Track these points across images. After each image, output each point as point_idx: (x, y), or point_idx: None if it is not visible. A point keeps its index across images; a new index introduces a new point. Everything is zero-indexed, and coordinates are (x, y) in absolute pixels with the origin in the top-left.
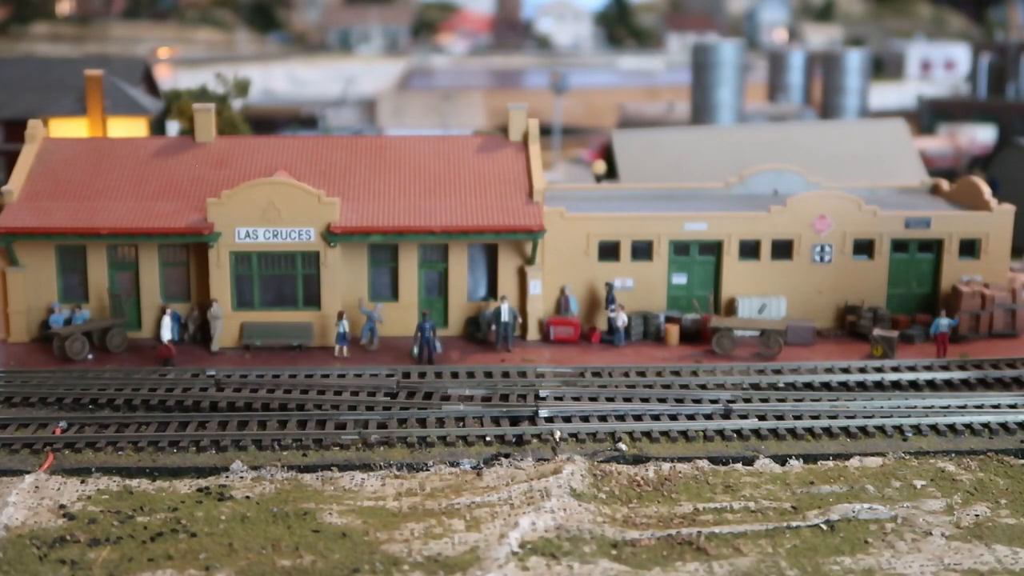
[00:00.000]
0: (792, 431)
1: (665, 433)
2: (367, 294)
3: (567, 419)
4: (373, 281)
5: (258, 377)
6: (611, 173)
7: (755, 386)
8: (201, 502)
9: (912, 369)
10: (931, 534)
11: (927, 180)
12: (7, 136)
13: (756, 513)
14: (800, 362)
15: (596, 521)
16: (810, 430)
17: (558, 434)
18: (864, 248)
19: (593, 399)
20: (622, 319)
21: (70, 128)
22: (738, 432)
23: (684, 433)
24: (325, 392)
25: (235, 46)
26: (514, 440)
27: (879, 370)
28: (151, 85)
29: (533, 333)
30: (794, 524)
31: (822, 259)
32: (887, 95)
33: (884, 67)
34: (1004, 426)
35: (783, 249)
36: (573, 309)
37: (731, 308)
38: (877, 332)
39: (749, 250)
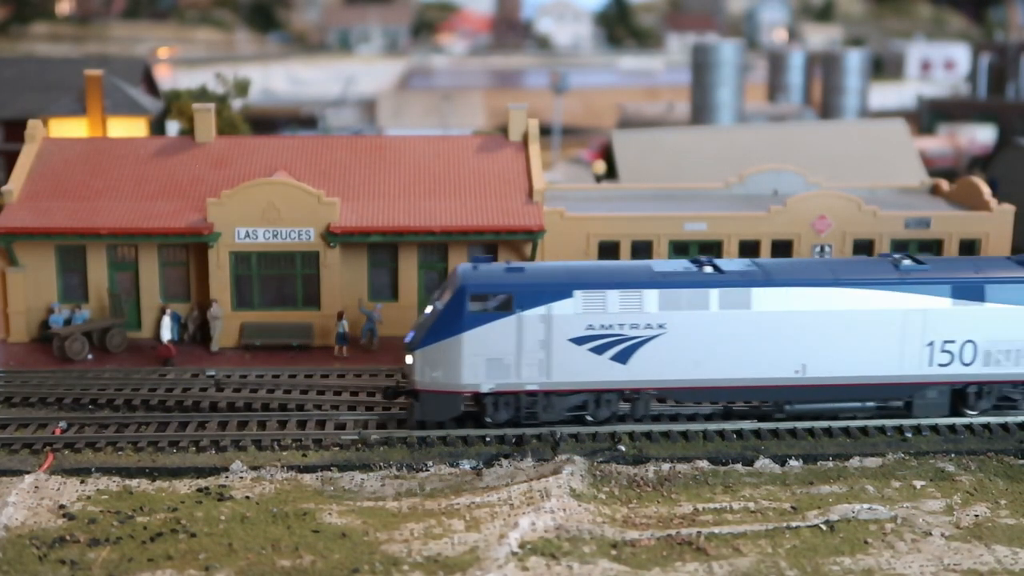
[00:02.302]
0: (792, 431)
1: (665, 433)
2: (367, 294)
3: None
4: (373, 281)
5: (258, 377)
6: (611, 173)
7: None
8: (201, 502)
9: None
10: (931, 534)
11: (927, 180)
12: (7, 136)
13: (756, 513)
14: None
15: (596, 521)
16: (810, 430)
17: (558, 434)
18: (864, 248)
19: None
20: None
21: (70, 128)
22: (738, 432)
23: (684, 433)
24: (325, 392)
25: (235, 46)
26: (514, 440)
27: None
28: (151, 85)
29: None
30: (794, 524)
31: None
32: (887, 95)
33: (884, 67)
34: (1004, 426)
35: (783, 249)
36: None
37: None
38: None
39: (749, 250)
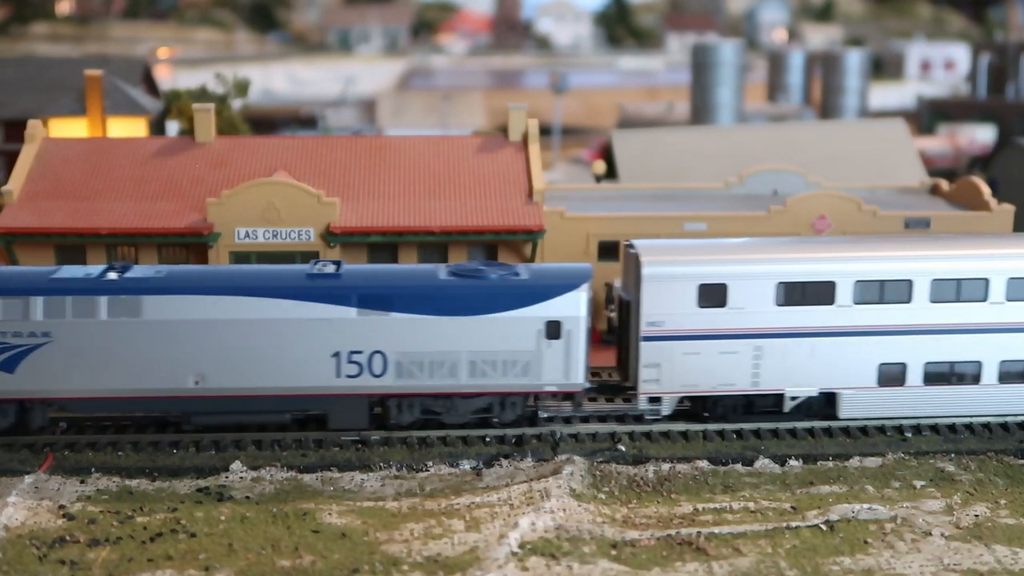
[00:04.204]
0: (792, 431)
1: (665, 433)
2: None
3: (567, 419)
4: None
5: None
6: (611, 173)
7: None
8: (201, 502)
9: None
10: (931, 534)
11: (927, 180)
12: (7, 136)
13: (756, 513)
14: None
15: (596, 521)
16: (810, 430)
17: (558, 434)
18: None
19: (593, 399)
20: None
21: (70, 128)
22: (738, 432)
23: (684, 433)
24: None
25: (235, 46)
26: (514, 440)
27: None
28: (151, 85)
29: None
30: (794, 524)
31: None
32: (887, 95)
33: (884, 67)
34: (1004, 426)
35: None
36: None
37: None
38: None
39: None
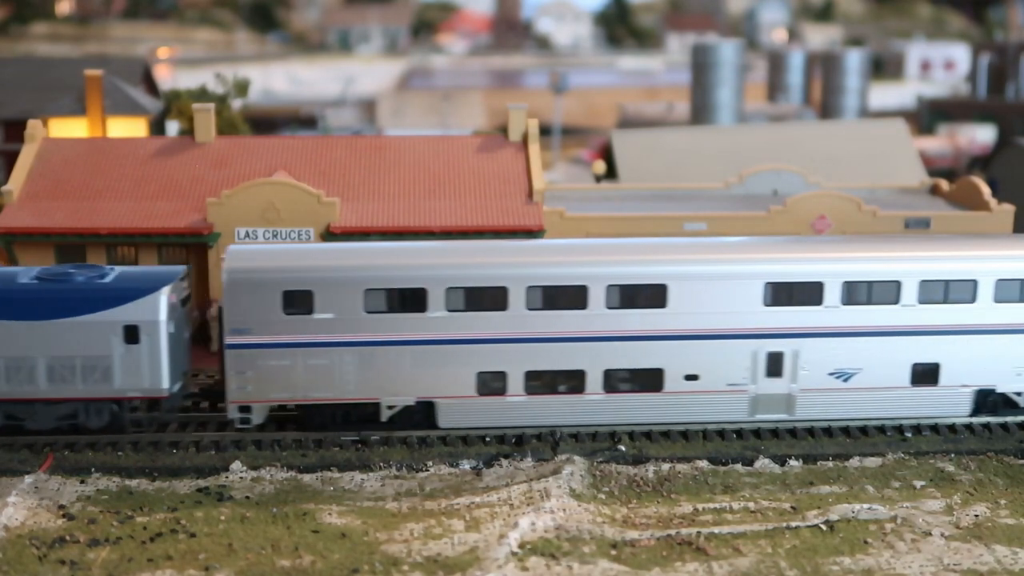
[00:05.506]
0: (792, 431)
1: (665, 433)
2: None
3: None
4: None
5: None
6: (611, 173)
7: None
8: (201, 502)
9: None
10: (931, 534)
11: (927, 180)
12: (7, 136)
13: (756, 513)
14: None
15: (596, 521)
16: (810, 430)
17: (558, 434)
18: None
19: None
20: None
21: (70, 128)
22: (738, 432)
23: (684, 433)
24: None
25: (235, 46)
26: (514, 440)
27: None
28: (151, 85)
29: None
30: (793, 524)
31: None
32: (887, 95)
33: (884, 67)
34: (1004, 426)
35: None
36: None
37: None
38: None
39: None
